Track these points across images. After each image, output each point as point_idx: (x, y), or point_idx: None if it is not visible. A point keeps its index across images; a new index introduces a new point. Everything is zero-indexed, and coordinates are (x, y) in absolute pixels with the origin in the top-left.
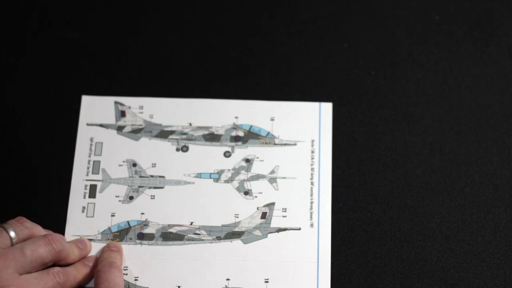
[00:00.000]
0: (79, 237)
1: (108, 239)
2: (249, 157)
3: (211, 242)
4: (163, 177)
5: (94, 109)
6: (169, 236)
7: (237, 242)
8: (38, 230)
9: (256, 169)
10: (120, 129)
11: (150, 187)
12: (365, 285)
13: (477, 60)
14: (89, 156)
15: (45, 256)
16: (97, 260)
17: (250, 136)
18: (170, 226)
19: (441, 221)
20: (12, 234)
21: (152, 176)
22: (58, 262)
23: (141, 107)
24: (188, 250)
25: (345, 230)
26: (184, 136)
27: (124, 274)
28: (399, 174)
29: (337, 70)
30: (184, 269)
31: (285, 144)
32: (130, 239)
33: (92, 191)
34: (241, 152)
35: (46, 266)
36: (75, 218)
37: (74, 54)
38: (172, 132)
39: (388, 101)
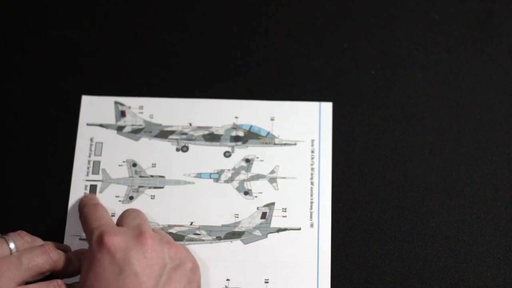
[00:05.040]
0: (79, 237)
1: None
2: (249, 157)
3: (211, 242)
4: (163, 177)
5: (94, 109)
6: None
7: (237, 242)
8: (38, 243)
9: (256, 169)
10: (120, 129)
11: (150, 187)
12: (365, 285)
13: (477, 60)
14: (89, 156)
15: (42, 265)
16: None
17: (250, 136)
18: (170, 226)
19: (441, 221)
20: (12, 245)
21: (152, 176)
22: (57, 273)
23: (141, 107)
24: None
25: (345, 230)
26: (184, 136)
27: None
28: (399, 174)
29: (337, 70)
30: None
31: (285, 144)
32: None
33: (92, 191)
34: (241, 152)
35: (44, 276)
36: (75, 218)
37: (74, 54)
38: (172, 132)
39: (388, 101)
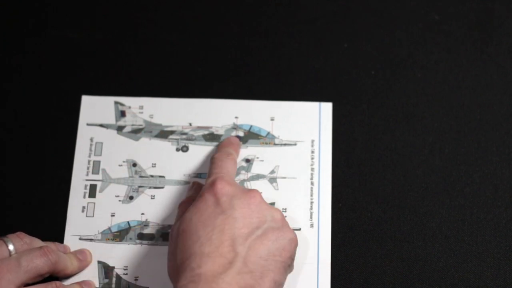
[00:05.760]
0: (79, 237)
1: (108, 239)
2: (249, 157)
3: None
4: (163, 177)
5: (94, 109)
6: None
7: None
8: (37, 244)
9: (256, 169)
10: (120, 129)
11: (150, 187)
12: (365, 285)
13: (477, 60)
14: (89, 156)
15: (41, 267)
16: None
17: (250, 136)
18: (170, 226)
19: (441, 221)
20: (11, 247)
21: (152, 176)
22: (56, 274)
23: (141, 107)
24: None
25: (345, 230)
26: (184, 136)
27: (124, 274)
28: (399, 174)
29: (337, 70)
30: None
31: (285, 144)
32: (130, 239)
33: (92, 191)
34: (241, 152)
35: (44, 277)
36: (75, 218)
37: (74, 54)
38: (172, 132)
39: (388, 101)
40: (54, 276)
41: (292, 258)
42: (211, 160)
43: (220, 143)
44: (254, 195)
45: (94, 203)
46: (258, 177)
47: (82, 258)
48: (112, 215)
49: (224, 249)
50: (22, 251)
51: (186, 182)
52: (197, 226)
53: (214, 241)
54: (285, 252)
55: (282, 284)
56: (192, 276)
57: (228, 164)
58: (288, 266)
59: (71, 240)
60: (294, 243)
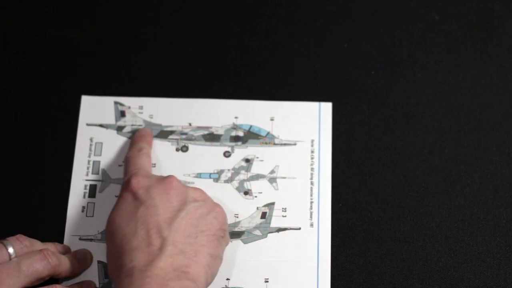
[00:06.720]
0: (79, 237)
1: None
2: (249, 157)
3: None
4: None
5: (94, 109)
6: None
7: (237, 242)
8: (37, 246)
9: (256, 169)
10: (120, 129)
11: None
12: (365, 285)
13: (477, 60)
14: (89, 156)
15: (41, 271)
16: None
17: (250, 136)
18: None
19: (441, 221)
20: (11, 250)
21: None
22: (56, 276)
23: (141, 107)
24: None
25: (345, 230)
26: (184, 136)
27: None
28: (399, 174)
29: (337, 70)
30: None
31: (285, 144)
32: None
33: (92, 191)
34: (241, 152)
35: (44, 280)
36: (75, 218)
37: (74, 54)
38: (172, 132)
39: (388, 101)
40: (54, 278)
41: (223, 229)
42: (125, 160)
43: (132, 139)
44: (171, 180)
45: (94, 203)
46: (258, 177)
47: (82, 258)
48: None
49: (151, 238)
50: (22, 255)
51: (186, 182)
52: (121, 225)
53: (140, 233)
54: (213, 225)
55: (219, 256)
56: (127, 271)
57: (140, 159)
58: (221, 237)
59: (71, 240)
60: (220, 215)
